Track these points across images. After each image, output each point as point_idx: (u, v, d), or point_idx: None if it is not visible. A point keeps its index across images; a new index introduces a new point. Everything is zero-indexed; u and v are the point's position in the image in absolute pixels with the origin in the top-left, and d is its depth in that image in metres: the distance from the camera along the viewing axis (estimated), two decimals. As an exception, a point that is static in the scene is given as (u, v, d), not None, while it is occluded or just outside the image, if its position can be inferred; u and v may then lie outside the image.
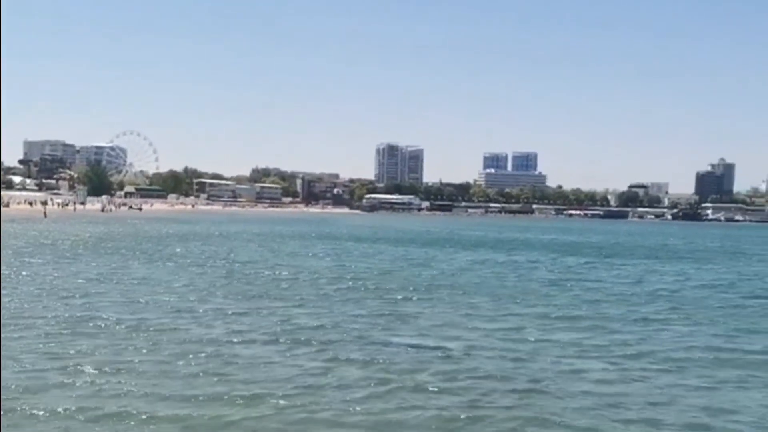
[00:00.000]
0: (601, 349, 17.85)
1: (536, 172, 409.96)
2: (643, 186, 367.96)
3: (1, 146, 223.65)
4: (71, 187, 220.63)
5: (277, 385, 13.65)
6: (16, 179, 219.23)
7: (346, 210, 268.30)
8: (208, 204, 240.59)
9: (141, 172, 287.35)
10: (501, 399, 13.23)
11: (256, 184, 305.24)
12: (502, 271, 40.25)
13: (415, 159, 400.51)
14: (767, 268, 49.86)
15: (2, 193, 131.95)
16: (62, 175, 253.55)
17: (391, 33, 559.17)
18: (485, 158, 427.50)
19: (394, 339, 18.30)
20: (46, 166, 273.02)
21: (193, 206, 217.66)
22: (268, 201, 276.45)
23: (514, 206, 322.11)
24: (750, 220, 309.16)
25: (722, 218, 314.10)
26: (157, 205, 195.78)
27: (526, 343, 18.28)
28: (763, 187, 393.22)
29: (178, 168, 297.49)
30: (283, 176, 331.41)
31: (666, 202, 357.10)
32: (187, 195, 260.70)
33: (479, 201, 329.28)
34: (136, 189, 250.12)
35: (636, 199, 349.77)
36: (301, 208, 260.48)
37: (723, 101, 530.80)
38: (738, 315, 25.01)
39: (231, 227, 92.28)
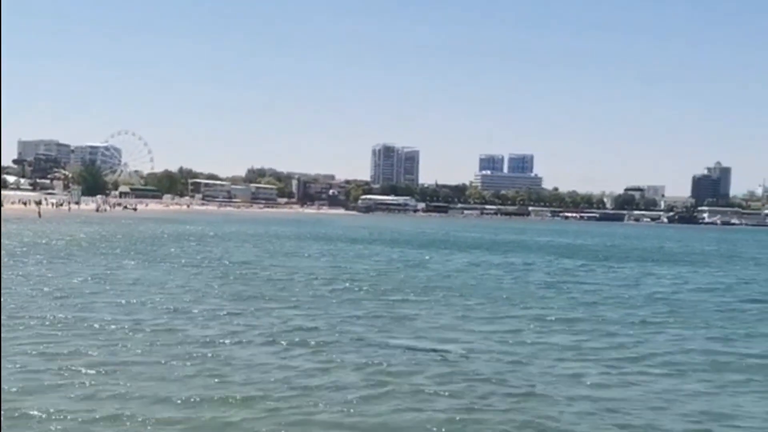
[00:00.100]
0: (598, 353, 17.85)
1: (532, 174, 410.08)
2: (639, 189, 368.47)
3: (1, 147, 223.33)
4: (66, 187, 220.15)
5: (273, 386, 13.60)
6: (11, 179, 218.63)
7: (341, 211, 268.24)
8: (203, 204, 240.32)
9: (136, 172, 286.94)
10: (498, 402, 13.18)
11: (252, 185, 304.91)
12: (498, 273, 40.19)
13: (411, 160, 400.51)
14: (763, 272, 49.88)
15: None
16: (57, 174, 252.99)
17: (388, 34, 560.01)
18: (481, 160, 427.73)
19: (390, 341, 18.24)
20: (41, 165, 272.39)
21: (188, 206, 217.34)
22: (263, 201, 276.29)
23: (510, 208, 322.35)
24: (746, 224, 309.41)
25: (718, 222, 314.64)
26: (152, 206, 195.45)
27: (523, 346, 18.24)
28: (759, 191, 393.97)
29: (173, 168, 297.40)
30: (278, 177, 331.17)
31: (662, 205, 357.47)
32: (182, 195, 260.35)
33: (475, 203, 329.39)
34: (131, 189, 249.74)
35: (632, 202, 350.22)
36: (297, 209, 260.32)
37: (720, 105, 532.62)
38: (735, 319, 25.02)
39: (226, 228, 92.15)
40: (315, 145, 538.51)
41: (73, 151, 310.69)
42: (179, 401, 12.47)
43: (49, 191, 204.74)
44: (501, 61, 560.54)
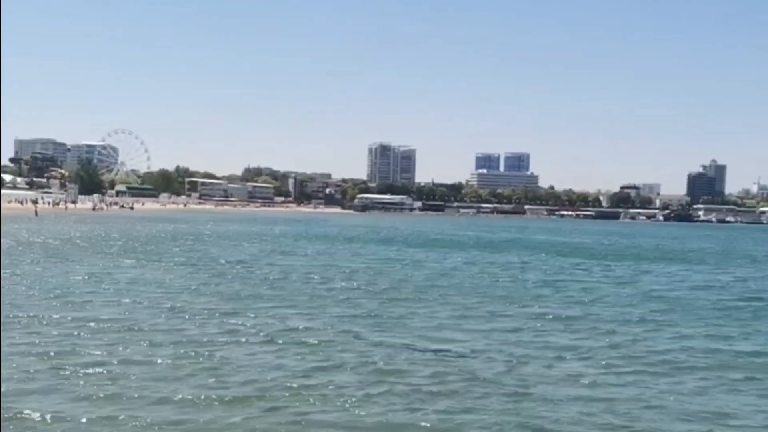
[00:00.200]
0: (595, 351, 17.84)
1: (528, 173, 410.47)
2: (634, 187, 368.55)
3: (1, 146, 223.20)
4: (62, 186, 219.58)
5: (271, 386, 13.61)
6: (7, 177, 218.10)
7: (338, 210, 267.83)
8: (199, 203, 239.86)
9: (132, 170, 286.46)
10: (495, 402, 13.17)
11: (248, 184, 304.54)
12: (495, 271, 40.25)
13: (408, 159, 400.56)
14: (759, 269, 49.97)
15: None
16: (53, 173, 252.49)
17: (385, 33, 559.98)
18: (477, 158, 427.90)
19: (386, 340, 18.26)
20: (37, 164, 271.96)
21: (184, 205, 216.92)
22: (260, 200, 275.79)
23: (506, 207, 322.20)
24: (741, 222, 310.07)
25: (714, 219, 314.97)
26: (149, 204, 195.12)
27: (520, 345, 18.26)
28: (754, 189, 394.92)
29: (170, 167, 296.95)
30: (275, 176, 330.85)
31: (658, 203, 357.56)
32: (178, 194, 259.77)
33: (471, 201, 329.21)
34: (128, 188, 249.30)
35: (628, 200, 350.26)
36: (293, 208, 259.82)
37: (715, 103, 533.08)
38: (732, 317, 25.06)
39: (223, 227, 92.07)
40: (311, 144, 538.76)
41: (69, 149, 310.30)
42: (177, 401, 12.47)
43: (46, 190, 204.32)
44: (497, 59, 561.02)
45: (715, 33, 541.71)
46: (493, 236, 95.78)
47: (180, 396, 12.73)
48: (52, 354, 15.39)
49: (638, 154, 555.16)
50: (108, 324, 18.98)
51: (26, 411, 11.61)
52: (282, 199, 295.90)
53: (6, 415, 11.32)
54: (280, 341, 17.60)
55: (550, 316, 23.29)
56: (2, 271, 27.95)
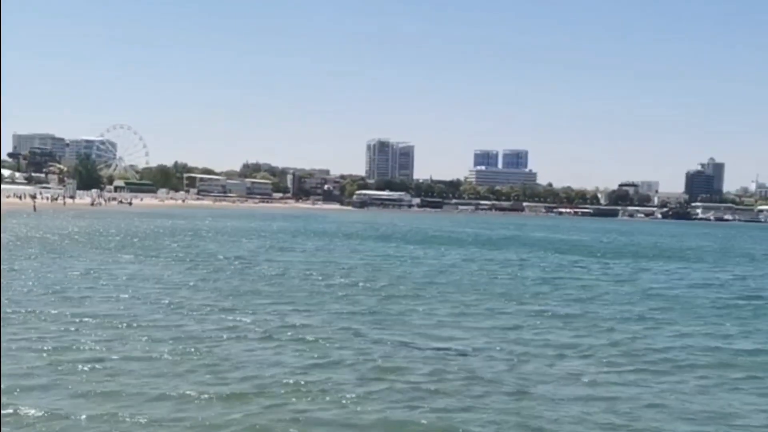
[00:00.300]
0: (595, 350, 17.81)
1: (527, 170, 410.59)
2: (633, 185, 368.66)
3: (1, 144, 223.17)
4: (61, 181, 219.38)
5: (270, 383, 13.58)
6: (5, 172, 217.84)
7: (336, 206, 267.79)
8: (198, 199, 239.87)
9: (131, 166, 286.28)
10: (494, 400, 13.13)
11: (247, 180, 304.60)
12: (493, 268, 40.21)
13: (406, 155, 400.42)
14: (758, 267, 49.97)
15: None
16: (51, 168, 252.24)
17: (383, 30, 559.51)
18: (476, 155, 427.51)
19: (385, 337, 18.22)
20: (36, 159, 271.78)
21: (183, 201, 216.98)
22: (258, 196, 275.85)
23: (505, 204, 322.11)
24: (739, 220, 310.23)
25: (712, 217, 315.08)
26: (147, 200, 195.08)
27: (519, 343, 18.23)
28: (752, 187, 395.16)
29: (168, 162, 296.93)
30: (273, 172, 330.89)
31: (656, 201, 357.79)
32: (177, 190, 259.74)
33: (470, 198, 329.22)
34: (126, 183, 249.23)
35: (626, 197, 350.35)
36: (292, 204, 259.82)
37: (713, 101, 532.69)
38: (731, 315, 25.03)
39: (221, 222, 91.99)
40: (310, 141, 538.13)
41: (68, 145, 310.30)
42: (176, 398, 12.43)
43: (44, 185, 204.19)
44: (496, 57, 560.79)
45: (713, 32, 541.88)
46: (491, 233, 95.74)
47: (179, 392, 12.70)
48: (50, 350, 15.35)
49: (637, 152, 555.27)
50: (106, 320, 18.94)
51: (25, 408, 11.56)
52: (280, 195, 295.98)
53: (5, 412, 11.27)
54: (279, 338, 17.57)
55: (549, 314, 23.26)
56: (1, 267, 27.87)
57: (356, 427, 11.60)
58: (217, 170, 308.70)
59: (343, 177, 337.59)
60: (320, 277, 31.40)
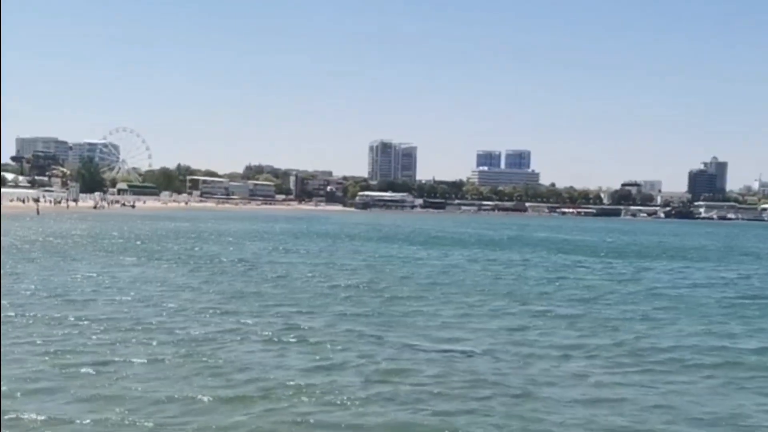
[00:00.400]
0: (600, 350, 17.71)
1: (529, 170, 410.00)
2: (636, 184, 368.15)
3: (1, 147, 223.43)
4: (64, 184, 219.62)
5: (272, 385, 13.52)
6: (9, 176, 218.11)
7: (339, 207, 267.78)
8: (201, 201, 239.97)
9: (134, 169, 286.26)
10: (499, 402, 13.04)
11: (250, 182, 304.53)
12: (497, 269, 40.13)
13: (409, 156, 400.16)
14: (762, 266, 49.85)
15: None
16: (54, 171, 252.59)
17: (385, 31, 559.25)
18: (478, 156, 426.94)
19: (388, 339, 18.16)
20: (39, 162, 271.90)
21: (186, 203, 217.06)
22: (261, 198, 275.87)
23: (507, 204, 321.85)
24: (742, 219, 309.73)
25: (715, 216, 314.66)
26: (150, 203, 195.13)
27: (524, 344, 18.14)
28: (755, 186, 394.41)
29: (171, 165, 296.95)
30: (276, 174, 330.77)
31: (659, 200, 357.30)
32: (180, 192, 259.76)
33: (472, 199, 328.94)
34: (129, 186, 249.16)
35: (629, 197, 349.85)
36: (295, 206, 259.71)
37: (716, 100, 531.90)
38: (736, 314, 24.91)
39: (224, 225, 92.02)
40: (312, 142, 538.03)
41: (71, 148, 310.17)
42: (179, 401, 12.38)
43: (48, 188, 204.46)
44: (498, 57, 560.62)
45: (715, 31, 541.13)
46: (494, 234, 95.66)
47: (183, 395, 12.65)
48: (53, 353, 15.31)
49: (639, 151, 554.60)
50: (110, 322, 18.90)
51: (26, 412, 11.50)
52: (283, 197, 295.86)
53: (5, 417, 11.21)
54: (283, 340, 17.52)
55: (554, 314, 23.19)
56: (3, 270, 27.87)
57: (361, 430, 11.54)
58: (220, 172, 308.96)
59: (345, 178, 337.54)
60: (324, 279, 31.34)
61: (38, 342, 16.30)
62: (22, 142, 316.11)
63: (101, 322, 19.00)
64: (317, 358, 15.82)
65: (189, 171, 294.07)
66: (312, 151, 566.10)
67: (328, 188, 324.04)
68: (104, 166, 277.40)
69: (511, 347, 17.70)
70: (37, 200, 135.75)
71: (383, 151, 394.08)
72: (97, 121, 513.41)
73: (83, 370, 14.09)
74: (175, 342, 16.87)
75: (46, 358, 14.95)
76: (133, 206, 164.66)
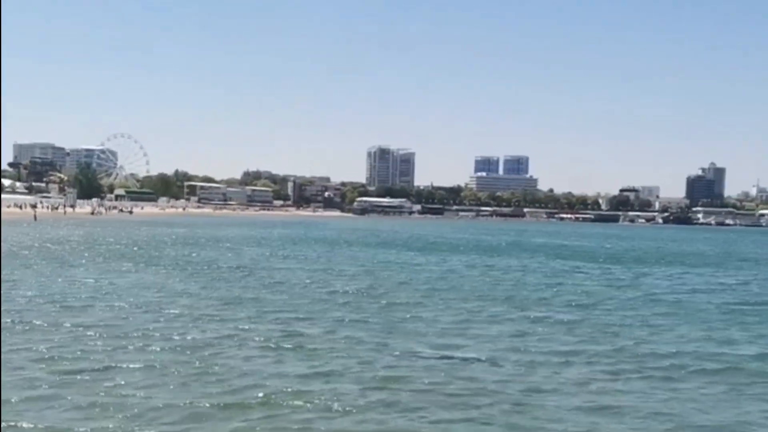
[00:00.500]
0: (600, 357, 17.61)
1: (527, 176, 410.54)
2: (634, 190, 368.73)
3: (1, 151, 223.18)
4: (61, 190, 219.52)
5: (270, 392, 13.43)
6: (6, 182, 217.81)
7: (337, 213, 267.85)
8: (198, 207, 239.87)
9: (131, 175, 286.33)
10: (497, 409, 12.94)
11: (247, 187, 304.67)
12: (495, 275, 40.00)
13: (407, 162, 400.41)
14: (761, 272, 49.78)
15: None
16: (52, 177, 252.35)
17: (383, 35, 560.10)
18: (476, 161, 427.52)
19: (386, 345, 18.06)
20: (36, 168, 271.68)
21: (183, 209, 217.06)
22: (259, 204, 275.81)
23: (506, 209, 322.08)
24: (740, 224, 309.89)
25: (713, 222, 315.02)
26: (148, 208, 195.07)
27: (523, 351, 18.02)
28: (753, 192, 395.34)
29: (169, 171, 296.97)
30: (274, 179, 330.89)
31: (657, 206, 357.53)
32: (177, 198, 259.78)
33: (470, 204, 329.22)
34: (127, 192, 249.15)
35: (627, 203, 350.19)
36: (293, 212, 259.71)
37: (714, 106, 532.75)
38: (735, 321, 24.83)
39: (222, 231, 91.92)
40: (310, 148, 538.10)
41: (68, 154, 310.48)
42: (176, 409, 12.29)
43: (45, 194, 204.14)
44: (496, 62, 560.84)
45: (714, 35, 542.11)
46: (492, 239, 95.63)
47: (180, 402, 12.56)
48: (50, 360, 15.22)
49: (637, 156, 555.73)
50: (107, 329, 18.82)
51: (24, 420, 11.41)
52: (281, 202, 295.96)
53: (3, 425, 11.09)
54: (281, 346, 17.43)
55: (553, 320, 23.11)
56: (1, 276, 27.73)
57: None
58: (218, 178, 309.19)
59: (343, 184, 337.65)
60: (322, 285, 31.24)
61: (35, 349, 16.20)
62: (19, 148, 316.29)
63: (99, 328, 18.91)
64: (316, 364, 15.74)
65: (186, 177, 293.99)
66: (310, 157, 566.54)
67: (326, 194, 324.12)
68: (102, 172, 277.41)
69: (511, 354, 17.60)
70: (34, 206, 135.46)
71: (381, 156, 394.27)
72: (94, 127, 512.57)
73: (81, 377, 14.01)
74: (174, 348, 16.79)
75: (44, 365, 14.86)
76: (130, 212, 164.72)
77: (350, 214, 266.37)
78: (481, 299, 28.07)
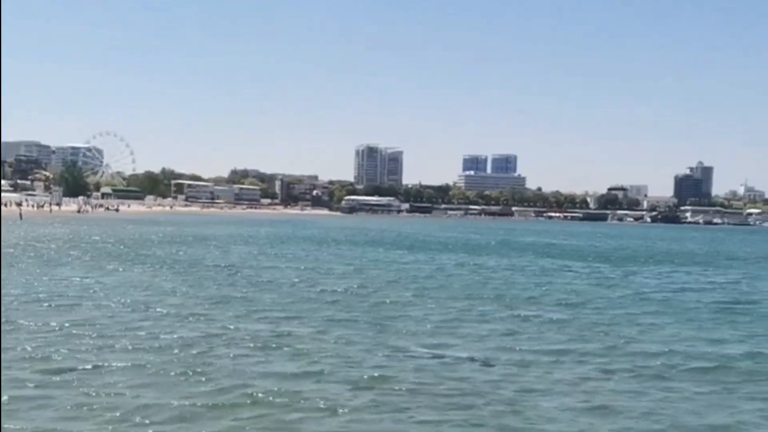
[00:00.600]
0: (590, 356, 17.51)
1: (516, 174, 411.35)
2: (622, 189, 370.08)
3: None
4: (47, 188, 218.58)
5: (257, 392, 13.29)
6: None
7: (325, 212, 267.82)
8: (186, 205, 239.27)
9: (118, 173, 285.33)
10: (488, 412, 12.79)
11: (235, 186, 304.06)
12: (484, 274, 39.93)
13: (395, 161, 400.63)
14: (750, 270, 49.91)
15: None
16: (37, 176, 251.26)
17: (371, 34, 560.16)
18: (465, 160, 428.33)
19: (375, 345, 17.94)
20: (21, 167, 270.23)
21: (170, 207, 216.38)
22: (246, 202, 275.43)
23: (494, 208, 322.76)
24: (728, 223, 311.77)
25: (701, 221, 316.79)
26: (135, 207, 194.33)
27: (513, 351, 17.92)
28: (740, 191, 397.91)
29: (156, 169, 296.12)
30: (262, 178, 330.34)
31: (645, 204, 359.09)
32: (164, 196, 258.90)
33: (459, 203, 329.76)
34: (113, 190, 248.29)
35: (615, 201, 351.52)
36: (280, 210, 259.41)
37: (702, 105, 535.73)
38: (725, 319, 24.87)
39: (209, 229, 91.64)
40: (298, 146, 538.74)
41: (54, 152, 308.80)
42: (165, 408, 12.16)
43: (30, 192, 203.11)
44: (484, 62, 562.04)
45: (701, 35, 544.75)
46: (481, 238, 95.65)
47: (168, 402, 12.43)
48: (36, 360, 15.04)
49: (625, 155, 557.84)
50: (94, 328, 18.63)
51: (10, 421, 11.23)
52: (269, 201, 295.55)
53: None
54: (270, 346, 17.28)
55: (542, 319, 23.02)
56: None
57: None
58: (205, 176, 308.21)
59: (331, 182, 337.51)
60: (310, 284, 31.06)
61: (22, 348, 16.00)
62: (4, 146, 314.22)
63: (86, 327, 18.74)
64: (305, 364, 15.61)
65: (174, 175, 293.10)
66: (298, 156, 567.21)
67: (314, 192, 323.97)
68: (88, 170, 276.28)
69: (501, 353, 17.50)
70: (19, 204, 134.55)
71: (369, 155, 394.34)
72: (80, 125, 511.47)
73: (68, 376, 13.85)
74: (162, 348, 16.64)
75: (30, 364, 14.69)
76: (117, 210, 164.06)
77: (338, 213, 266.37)
78: (470, 298, 27.96)
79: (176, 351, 16.35)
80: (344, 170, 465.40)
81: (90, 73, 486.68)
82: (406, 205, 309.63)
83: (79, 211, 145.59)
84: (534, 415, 12.64)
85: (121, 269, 34.90)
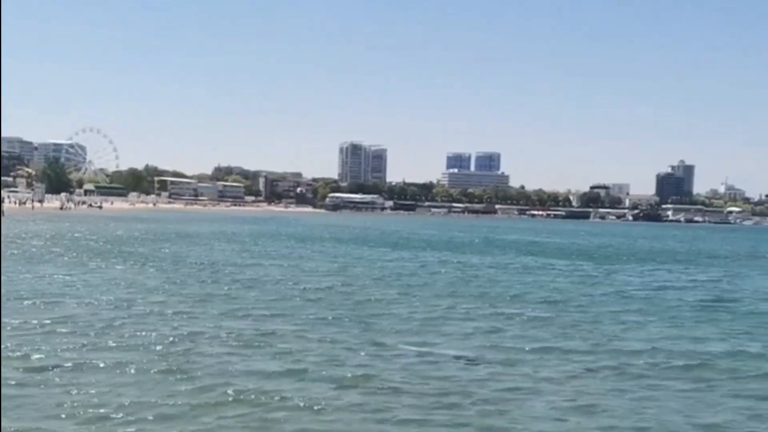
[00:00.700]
0: (573, 355, 17.55)
1: (499, 172, 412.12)
2: (604, 187, 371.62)
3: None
4: (29, 185, 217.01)
5: (240, 391, 13.22)
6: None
7: (309, 209, 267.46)
8: (169, 202, 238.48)
9: (101, 169, 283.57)
10: (472, 411, 12.79)
11: (219, 183, 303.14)
12: (467, 272, 39.98)
13: (379, 158, 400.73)
14: (730, 269, 50.24)
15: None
16: (19, 172, 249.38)
17: (355, 32, 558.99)
18: (448, 158, 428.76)
19: (359, 344, 17.88)
20: (3, 163, 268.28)
21: (154, 204, 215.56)
22: (230, 200, 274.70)
23: (477, 206, 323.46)
24: (709, 221, 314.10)
25: (682, 219, 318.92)
26: (118, 204, 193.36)
27: (497, 349, 17.93)
28: (721, 189, 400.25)
29: (139, 166, 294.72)
30: (245, 175, 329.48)
31: (627, 203, 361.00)
32: (148, 193, 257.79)
33: (442, 200, 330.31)
34: (96, 187, 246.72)
35: (597, 199, 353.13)
36: (264, 207, 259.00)
37: (683, 103, 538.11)
38: (707, 317, 24.99)
39: (192, 226, 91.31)
40: (282, 144, 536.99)
41: (36, 148, 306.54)
42: (147, 407, 12.08)
43: (12, 189, 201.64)
44: (467, 59, 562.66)
45: (683, 34, 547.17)
46: (464, 236, 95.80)
47: (151, 401, 12.36)
48: (16, 359, 14.89)
49: (608, 154, 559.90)
50: (76, 326, 18.51)
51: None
52: (253, 198, 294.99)
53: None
54: (253, 344, 17.22)
55: (526, 317, 23.06)
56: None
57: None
58: (189, 173, 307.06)
59: (315, 180, 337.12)
60: (294, 282, 30.99)
61: (3, 346, 15.79)
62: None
63: (68, 325, 18.63)
64: (288, 362, 15.56)
65: (157, 172, 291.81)
66: (282, 153, 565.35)
67: (298, 190, 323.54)
68: (70, 166, 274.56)
69: (485, 351, 17.52)
70: (1, 201, 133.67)
71: (353, 152, 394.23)
72: (62, 121, 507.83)
73: (49, 375, 13.74)
74: (145, 346, 16.54)
75: (11, 363, 14.51)
76: (100, 207, 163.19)
77: (322, 210, 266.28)
78: (454, 296, 27.99)
79: (159, 349, 16.27)
80: (328, 168, 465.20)
81: (72, 70, 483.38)
82: (390, 203, 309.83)
83: (61, 208, 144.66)
84: (519, 414, 12.64)
85: (103, 266, 34.72)
